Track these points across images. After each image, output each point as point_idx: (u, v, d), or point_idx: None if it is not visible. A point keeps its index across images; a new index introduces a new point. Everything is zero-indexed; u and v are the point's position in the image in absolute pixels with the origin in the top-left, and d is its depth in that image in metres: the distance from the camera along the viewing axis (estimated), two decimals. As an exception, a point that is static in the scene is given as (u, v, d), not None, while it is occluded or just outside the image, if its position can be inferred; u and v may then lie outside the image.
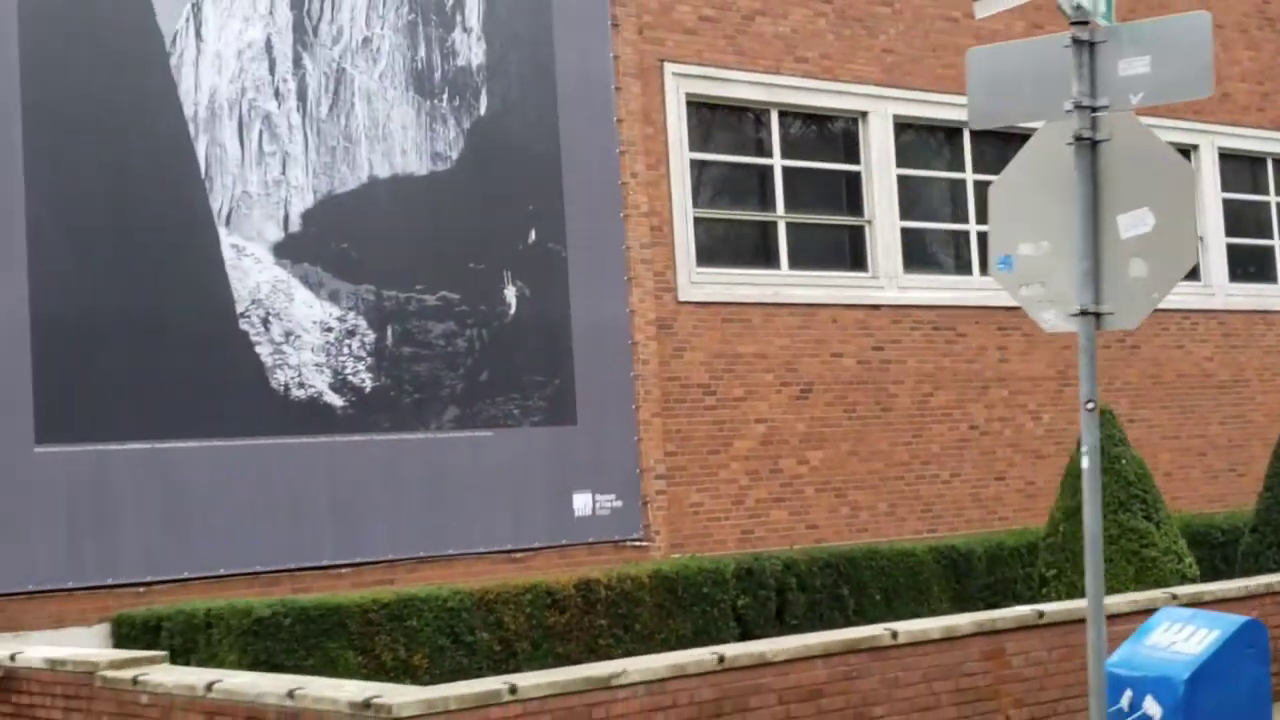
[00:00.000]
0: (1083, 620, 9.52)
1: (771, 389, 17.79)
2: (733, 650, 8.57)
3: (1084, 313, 6.94)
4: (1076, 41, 6.96)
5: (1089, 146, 6.97)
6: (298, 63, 14.52)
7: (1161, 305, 19.59)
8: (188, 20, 13.93)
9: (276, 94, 14.38)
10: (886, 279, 18.99)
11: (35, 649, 11.00)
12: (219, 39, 14.07)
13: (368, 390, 14.61)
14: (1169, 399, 21.60)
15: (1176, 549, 14.08)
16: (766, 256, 18.31)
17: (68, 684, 10.21)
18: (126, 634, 12.62)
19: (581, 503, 15.76)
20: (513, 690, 7.68)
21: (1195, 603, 10.61)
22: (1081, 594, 13.46)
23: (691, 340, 17.20)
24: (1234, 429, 22.50)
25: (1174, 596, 10.83)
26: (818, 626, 13.90)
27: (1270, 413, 22.92)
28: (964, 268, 20.08)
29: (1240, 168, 23.39)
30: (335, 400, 14.43)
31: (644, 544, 16.16)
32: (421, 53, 15.25)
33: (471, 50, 15.56)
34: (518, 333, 15.54)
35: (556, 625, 12.46)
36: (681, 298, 17.17)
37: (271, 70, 14.37)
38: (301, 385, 14.26)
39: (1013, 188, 7.32)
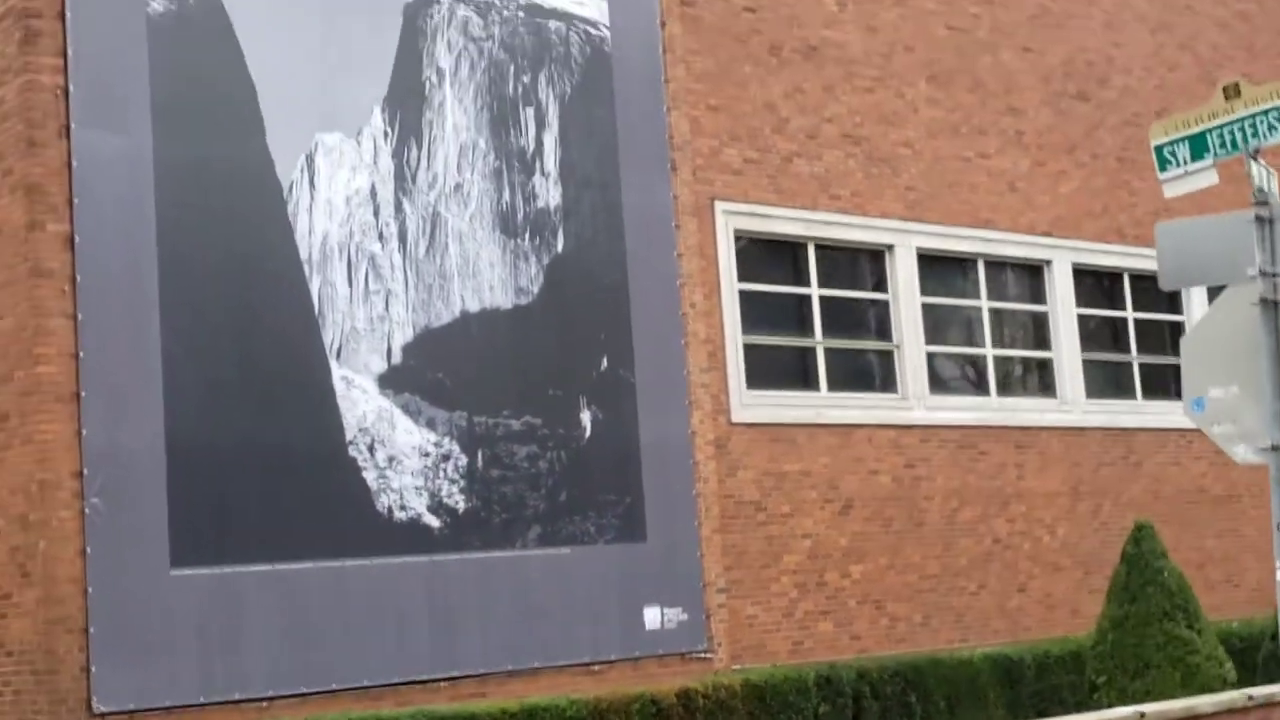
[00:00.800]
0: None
1: (816, 505, 18.89)
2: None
3: (1274, 448, 8.15)
4: (1259, 220, 8.26)
5: (1273, 307, 8.23)
6: (398, 207, 15.63)
7: (1158, 425, 21.01)
8: (302, 171, 15.02)
9: (380, 236, 15.46)
10: (915, 400, 20.21)
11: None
12: (329, 187, 15.17)
13: (461, 511, 15.57)
14: (1169, 513, 22.80)
15: (1217, 655, 15.19)
16: (807, 379, 19.48)
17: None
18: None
19: (651, 616, 16.72)
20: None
21: (1269, 703, 11.74)
22: (1131, 700, 14.64)
23: (744, 459, 18.29)
24: (1228, 542, 23.76)
25: (1250, 697, 11.94)
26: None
27: (1261, 527, 24.14)
28: (983, 389, 21.32)
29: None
30: (433, 521, 15.38)
31: (708, 656, 17.12)
32: (506, 196, 16.40)
33: (549, 192, 16.73)
34: (592, 454, 16.57)
35: (657, 728, 13.40)
36: (734, 419, 18.28)
37: (375, 215, 15.46)
38: (403, 508, 15.21)
39: (1203, 341, 8.60)
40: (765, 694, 14.29)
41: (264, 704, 14.02)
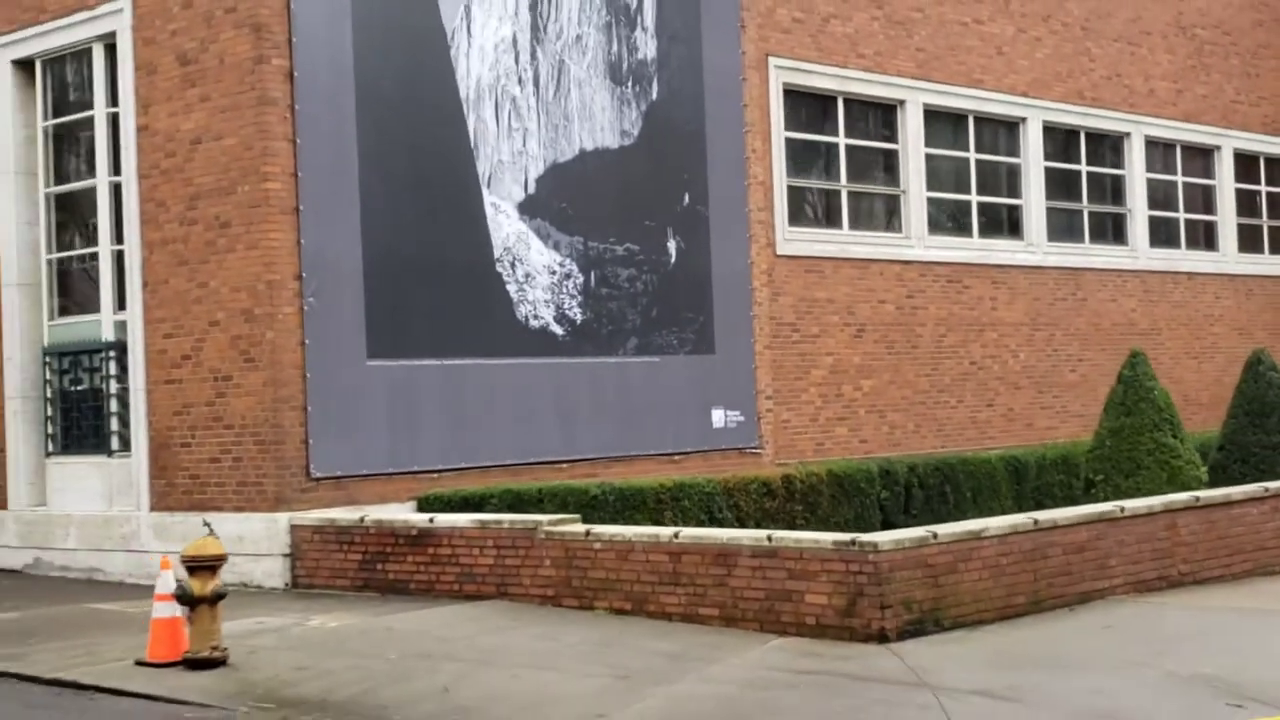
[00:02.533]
0: (1223, 504, 13.94)
1: (837, 328, 21.86)
2: (1040, 515, 12.66)
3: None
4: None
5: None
6: (533, 55, 17.92)
7: (1101, 266, 24.30)
8: (461, 19, 17.22)
9: (519, 80, 17.78)
10: (916, 240, 23.17)
11: (451, 515, 14.50)
12: (482, 34, 17.40)
13: (578, 322, 18.19)
14: (1105, 342, 26.27)
15: (1194, 460, 18.51)
16: (832, 219, 22.29)
17: (503, 537, 13.74)
18: (430, 508, 15.93)
19: (717, 417, 19.61)
20: (934, 535, 11.62)
21: (1226, 502, 14.64)
22: (1123, 495, 17.82)
23: (784, 287, 21.12)
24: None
25: (1197, 500, 14.79)
26: (931, 517, 18.07)
27: (1173, 355, 27.86)
28: (967, 231, 24.33)
29: (1155, 153, 28.14)
30: (557, 330, 17.98)
31: (758, 451, 20.09)
32: (614, 48, 18.76)
33: (647, 46, 19.12)
34: (676, 278, 19.25)
35: (770, 508, 16.36)
36: (778, 252, 21.07)
37: (516, 61, 17.75)
38: (536, 317, 17.78)
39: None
40: (843, 481, 17.32)
41: (434, 475, 16.62)
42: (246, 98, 15.66)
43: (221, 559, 11.30)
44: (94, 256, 17.62)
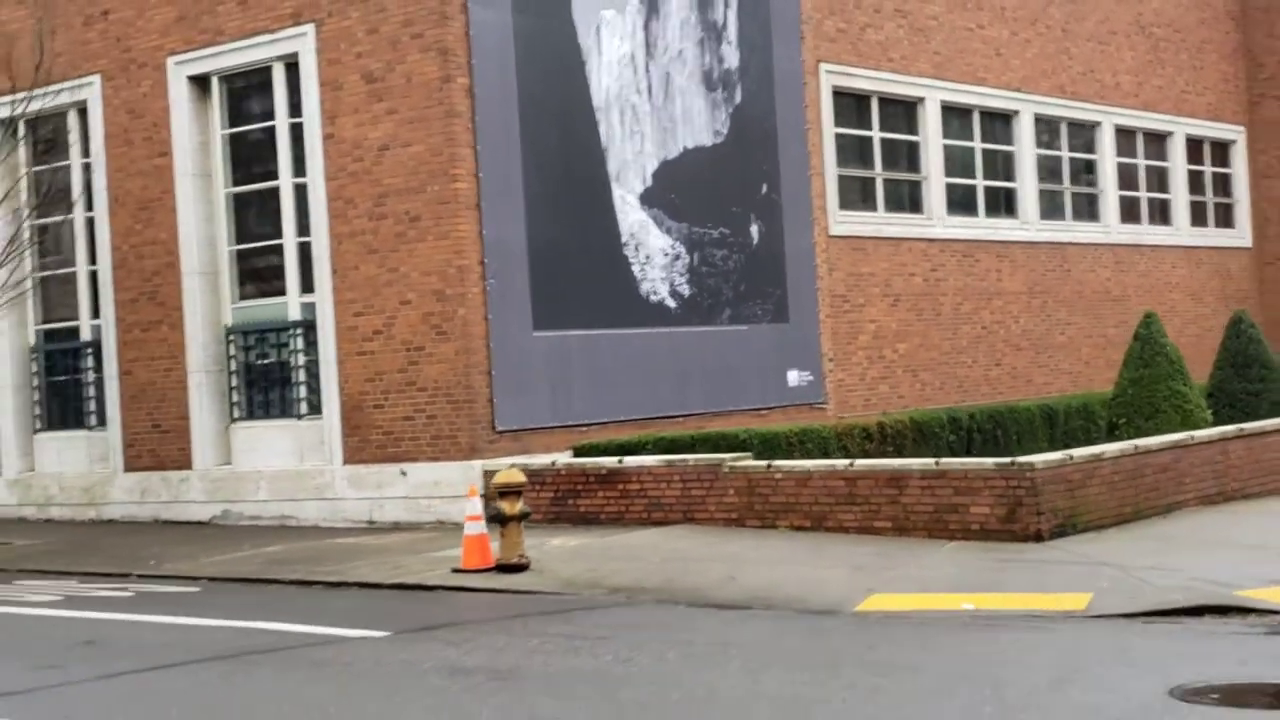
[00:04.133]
0: (1262, 434, 17.38)
1: (878, 298, 25.11)
2: (1139, 442, 16.01)
3: None
4: None
5: None
6: (647, 69, 20.93)
7: (1081, 240, 28.04)
8: (593, 40, 20.18)
9: (637, 90, 20.78)
10: (937, 220, 26.49)
11: (639, 457, 17.52)
12: (608, 52, 20.37)
13: (686, 296, 21.26)
14: (1086, 308, 29.81)
15: (1201, 405, 22.00)
16: (868, 203, 25.53)
17: (689, 472, 16.82)
18: (586, 454, 18.89)
19: (792, 377, 22.78)
20: (1070, 457, 14.88)
21: (1263, 432, 18.25)
22: (1144, 435, 21.16)
23: (836, 263, 24.32)
24: (1123, 330, 30.93)
25: (1242, 430, 18.37)
26: (989, 455, 21.36)
27: (1140, 318, 31.42)
28: (974, 211, 27.69)
29: (1121, 139, 31.69)
30: (670, 303, 21.04)
31: (824, 406, 23.30)
32: (706, 60, 21.82)
33: (731, 57, 22.19)
34: (758, 257, 22.37)
35: (869, 449, 19.58)
36: (831, 233, 24.26)
37: (634, 74, 20.74)
38: (654, 293, 20.82)
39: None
40: (921, 427, 20.61)
41: (583, 428, 19.62)
42: (435, 111, 18.52)
43: (524, 486, 14.29)
44: (277, 248, 20.33)
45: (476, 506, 14.38)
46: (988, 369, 27.32)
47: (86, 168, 21.96)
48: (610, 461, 17.53)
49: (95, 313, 22.18)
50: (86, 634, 11.67)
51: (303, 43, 19.61)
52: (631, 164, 20.64)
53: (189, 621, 12.08)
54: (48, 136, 22.32)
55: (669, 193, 21.15)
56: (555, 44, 19.73)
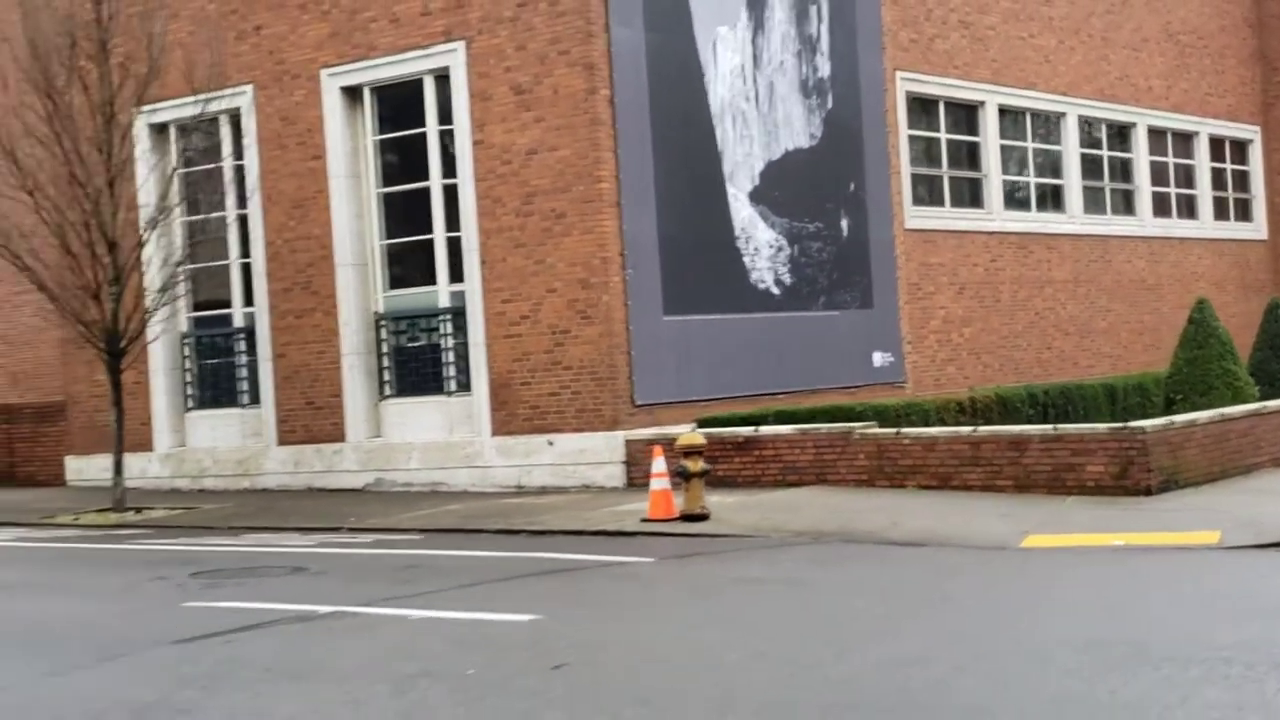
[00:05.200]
0: (1321, 405, 19.70)
1: (946, 287, 27.41)
2: (1224, 410, 18.32)
3: None
4: None
5: None
6: (754, 79, 23.17)
7: (1119, 233, 30.58)
8: (710, 53, 22.41)
9: (746, 98, 23.02)
10: (995, 213, 28.80)
11: (773, 426, 19.77)
12: (722, 64, 22.61)
13: (787, 285, 23.52)
14: (1125, 295, 32.17)
15: (1249, 382, 24.36)
16: (936, 199, 27.82)
17: (821, 439, 19.09)
18: (708, 425, 21.11)
19: (877, 358, 25.07)
20: (1172, 423, 17.17)
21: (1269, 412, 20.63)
22: (1199, 409, 23.47)
23: (910, 255, 26.60)
24: (1156, 317, 33.35)
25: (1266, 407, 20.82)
26: (1057, 428, 23.66)
27: (1171, 305, 33.82)
28: (1027, 206, 30.02)
29: (1153, 139, 34.06)
30: (775, 291, 23.30)
31: (903, 385, 25.59)
32: (803, 69, 24.07)
33: (824, 66, 24.45)
34: (847, 249, 24.64)
35: (961, 420, 21.87)
36: (906, 227, 26.54)
37: (744, 83, 22.98)
38: (761, 281, 23.07)
39: None
40: (1005, 402, 22.95)
41: (703, 403, 21.86)
42: (581, 120, 20.73)
43: (704, 447, 16.54)
44: (426, 243, 22.51)
45: (661, 465, 16.62)
46: (1039, 352, 29.64)
47: (239, 169, 24.07)
48: (746, 430, 19.78)
49: (247, 301, 24.32)
50: (401, 563, 13.87)
51: (453, 58, 21.78)
52: (742, 165, 22.89)
53: (471, 554, 14.32)
54: (198, 141, 24.38)
55: (773, 191, 23.40)
56: (679, 58, 21.96)
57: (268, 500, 22.10)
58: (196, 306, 25.09)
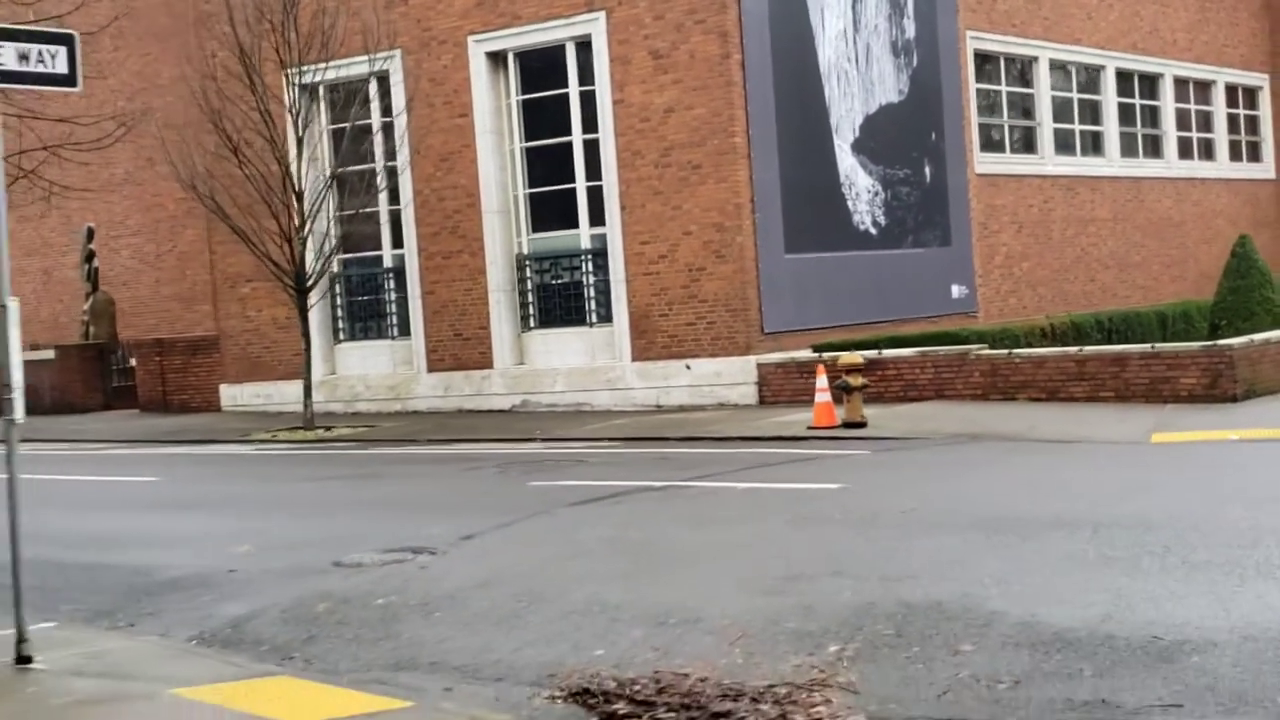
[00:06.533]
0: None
1: (1007, 225, 30.38)
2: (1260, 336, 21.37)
3: None
4: None
5: None
6: (854, 41, 25.99)
7: (1150, 175, 33.74)
8: (819, 18, 25.20)
9: (848, 59, 25.84)
10: (1047, 159, 31.75)
11: (895, 349, 22.72)
12: (829, 28, 25.41)
13: (883, 226, 26.44)
14: (1155, 231, 35.21)
15: (1289, 309, 27.40)
16: (997, 146, 30.74)
17: (940, 360, 22.08)
18: (824, 350, 24.03)
19: (954, 290, 28.05)
20: (1252, 340, 20.21)
21: None
22: (1242, 334, 26.46)
23: (979, 197, 29.54)
24: (1181, 250, 36.44)
25: None
26: (1119, 351, 26.73)
27: (1195, 240, 36.92)
28: (1073, 151, 32.96)
29: (1177, 87, 37.01)
30: (872, 231, 26.22)
31: (976, 315, 28.58)
32: (893, 31, 26.89)
33: (909, 28, 27.29)
34: (929, 193, 27.55)
35: (1044, 343, 24.89)
36: (975, 172, 29.46)
37: (846, 45, 25.80)
38: (861, 223, 25.98)
39: None
40: (1078, 327, 26.00)
41: (816, 331, 24.78)
42: (716, 81, 23.53)
43: (862, 365, 19.49)
44: (567, 192, 25.31)
45: (824, 382, 19.57)
46: (1085, 284, 32.68)
47: (386, 126, 26.76)
48: (870, 353, 22.73)
49: (395, 244, 27.09)
50: (649, 458, 16.78)
51: (595, 26, 24.51)
52: (845, 119, 25.75)
53: (698, 450, 17.30)
54: (344, 101, 27.02)
55: (870, 141, 26.28)
56: (794, 24, 24.76)
57: (435, 419, 24.97)
58: (346, 250, 27.80)
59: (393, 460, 19.25)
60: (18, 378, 8.53)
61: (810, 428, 19.49)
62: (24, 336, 35.68)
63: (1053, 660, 7.47)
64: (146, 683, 8.26)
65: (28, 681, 8.25)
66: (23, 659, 8.49)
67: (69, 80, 8.73)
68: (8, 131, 27.10)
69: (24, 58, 8.49)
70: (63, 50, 8.68)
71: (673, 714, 7.56)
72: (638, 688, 7.90)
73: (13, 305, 8.46)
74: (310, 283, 24.37)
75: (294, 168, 24.17)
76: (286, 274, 24.24)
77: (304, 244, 24.18)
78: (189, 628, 9.57)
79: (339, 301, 27.95)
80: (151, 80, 36.30)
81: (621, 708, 7.69)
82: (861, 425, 19.23)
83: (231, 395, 29.00)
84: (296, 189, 24.00)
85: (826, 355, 22.23)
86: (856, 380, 19.36)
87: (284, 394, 28.05)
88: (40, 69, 8.55)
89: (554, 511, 12.79)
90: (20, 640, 8.50)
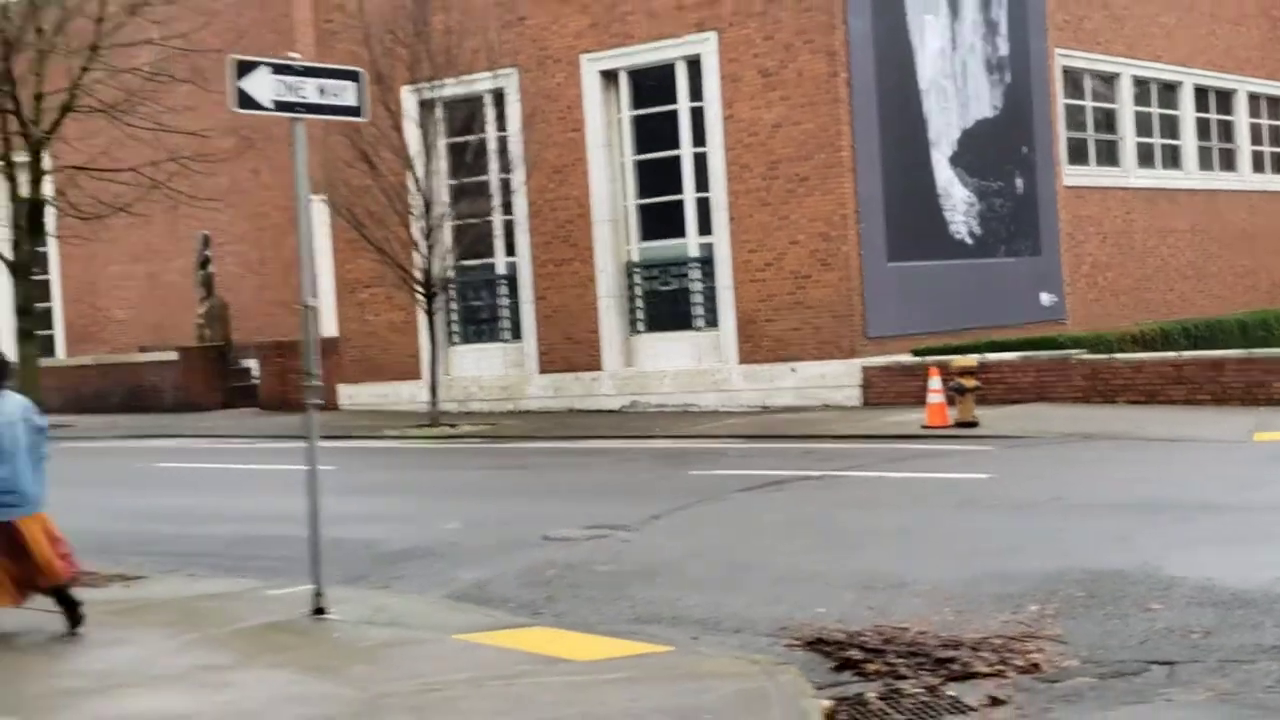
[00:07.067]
0: None
1: (1092, 236, 31.43)
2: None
3: None
4: None
5: None
6: (951, 59, 27.13)
7: (1225, 188, 34.66)
8: (920, 38, 26.36)
9: (946, 75, 26.99)
10: (1130, 172, 32.80)
11: (998, 354, 23.85)
12: (929, 47, 26.57)
13: (978, 235, 27.55)
14: (1229, 241, 36.16)
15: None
16: (1081, 158, 31.81)
17: (1042, 364, 23.19)
18: (922, 354, 25.15)
19: (1044, 298, 29.14)
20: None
21: None
22: None
23: (1066, 208, 30.61)
24: (1255, 259, 37.37)
25: None
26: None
27: (1268, 250, 37.84)
28: (1153, 164, 33.98)
29: (1253, 103, 37.95)
30: (968, 241, 27.34)
31: (1065, 322, 29.64)
32: (988, 50, 28.02)
33: (1002, 46, 28.41)
34: (1021, 204, 28.65)
35: (1133, 348, 25.93)
36: (1063, 185, 30.54)
37: (944, 62, 26.95)
38: (958, 233, 27.11)
39: None
40: (1167, 334, 27.05)
41: (915, 336, 25.91)
42: (823, 98, 24.72)
43: (976, 368, 20.62)
44: (675, 203, 26.54)
45: (937, 384, 20.71)
46: (1164, 293, 33.69)
47: (501, 140, 28.04)
48: (975, 357, 23.83)
49: (508, 252, 28.38)
50: (792, 452, 17.97)
51: (705, 46, 25.72)
52: (943, 133, 26.89)
53: (829, 446, 18.48)
54: (461, 116, 28.32)
55: (966, 154, 27.40)
56: (897, 43, 25.92)
57: (550, 418, 26.23)
58: (459, 258, 29.10)
59: (538, 453, 20.51)
60: (317, 369, 9.79)
61: (924, 427, 20.61)
62: (131, 339, 37.25)
63: (1235, 615, 8.60)
64: (428, 630, 9.48)
65: (329, 629, 9.49)
66: (318, 611, 9.74)
67: (357, 111, 10.01)
68: (143, 145, 28.73)
69: (322, 91, 9.76)
70: (352, 85, 9.95)
71: (901, 659, 8.74)
72: (864, 639, 9.09)
73: (313, 304, 9.72)
74: (435, 289, 25.64)
75: (422, 179, 25.47)
76: (416, 280, 25.53)
77: (431, 251, 25.46)
78: (438, 589, 10.81)
79: (453, 306, 29.23)
80: (258, 93, 37.70)
81: (855, 654, 8.87)
82: (974, 425, 20.35)
83: (349, 394, 30.33)
84: (426, 199, 25.30)
85: (934, 358, 23.35)
86: (970, 382, 20.50)
87: (399, 394, 29.38)
88: (334, 101, 9.82)
89: (726, 496, 13.99)
90: (317, 594, 9.75)
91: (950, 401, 20.76)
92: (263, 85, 9.49)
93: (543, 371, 27.92)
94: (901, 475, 14.90)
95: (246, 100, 9.52)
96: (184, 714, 7.50)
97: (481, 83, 27.45)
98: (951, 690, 8.10)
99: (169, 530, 14.08)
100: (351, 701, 7.59)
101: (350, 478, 16.54)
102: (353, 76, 10.04)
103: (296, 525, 13.77)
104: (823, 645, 9.02)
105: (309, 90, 9.70)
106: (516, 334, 28.41)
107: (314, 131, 31.83)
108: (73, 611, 9.42)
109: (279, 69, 9.65)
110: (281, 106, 9.61)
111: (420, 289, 25.61)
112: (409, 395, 28.94)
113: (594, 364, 27.32)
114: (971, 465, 15.60)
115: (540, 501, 14.89)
